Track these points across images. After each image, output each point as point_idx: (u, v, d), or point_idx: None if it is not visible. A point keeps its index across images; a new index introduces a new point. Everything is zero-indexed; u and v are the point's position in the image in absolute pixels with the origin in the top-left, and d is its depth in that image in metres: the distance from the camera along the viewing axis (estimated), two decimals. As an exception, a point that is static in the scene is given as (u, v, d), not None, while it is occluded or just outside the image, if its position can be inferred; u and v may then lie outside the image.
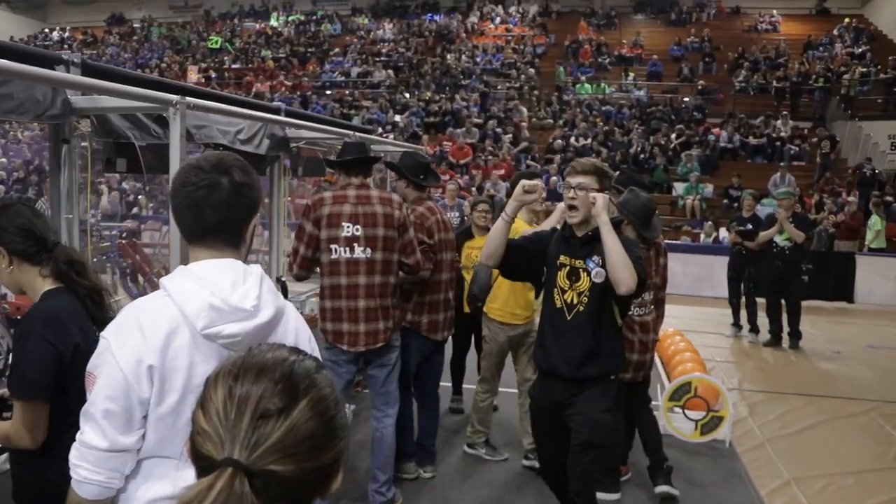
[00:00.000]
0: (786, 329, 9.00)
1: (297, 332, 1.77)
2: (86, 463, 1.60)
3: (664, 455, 4.60)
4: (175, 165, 2.76)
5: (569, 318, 3.33)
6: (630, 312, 4.33)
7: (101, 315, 2.24)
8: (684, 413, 5.39)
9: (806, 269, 9.02)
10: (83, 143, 3.14)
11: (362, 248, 3.85)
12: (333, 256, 3.85)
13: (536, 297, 4.18)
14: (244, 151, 3.92)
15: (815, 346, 9.09)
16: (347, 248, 3.84)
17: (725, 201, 15.95)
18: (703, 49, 23.21)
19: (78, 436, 1.61)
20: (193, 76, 24.45)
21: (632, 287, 3.10)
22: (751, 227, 9.14)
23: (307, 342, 1.78)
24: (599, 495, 4.50)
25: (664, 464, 4.58)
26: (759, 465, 5.19)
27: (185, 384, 1.59)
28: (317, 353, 1.69)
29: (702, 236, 14.47)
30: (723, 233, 14.39)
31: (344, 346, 3.87)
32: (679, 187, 16.69)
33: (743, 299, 9.45)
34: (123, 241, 4.72)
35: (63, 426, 2.10)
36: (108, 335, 1.62)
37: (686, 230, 15.11)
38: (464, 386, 6.07)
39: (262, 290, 1.66)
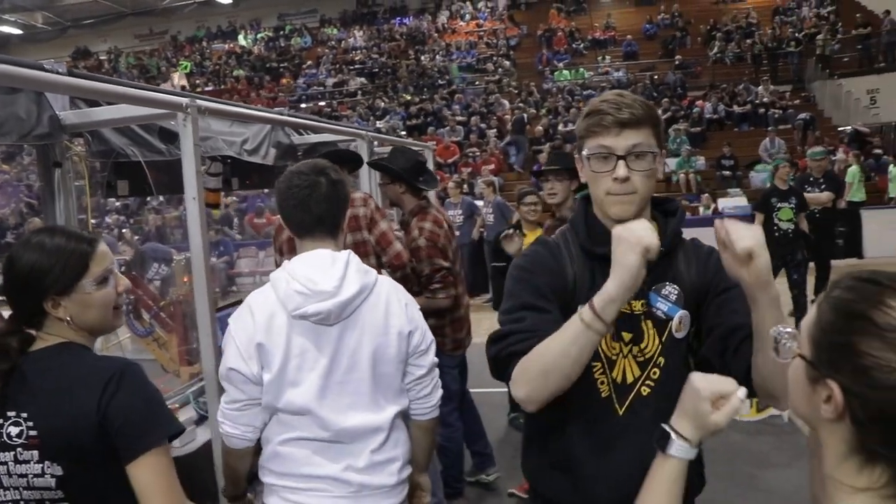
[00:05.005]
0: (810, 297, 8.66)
1: (388, 301, 2.07)
2: (226, 420, 2.05)
3: None
4: (191, 181, 2.42)
5: (621, 413, 1.72)
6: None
7: None
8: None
9: (839, 232, 8.38)
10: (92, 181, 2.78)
11: None
12: None
13: None
14: (251, 163, 3.59)
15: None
16: None
17: (719, 172, 15.77)
18: (675, 24, 23.06)
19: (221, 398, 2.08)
20: (180, 80, 24.16)
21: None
22: (795, 201, 7.62)
23: (402, 307, 2.09)
24: None
25: None
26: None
27: (285, 354, 1.96)
28: (414, 313, 2.13)
29: (700, 209, 14.22)
30: (722, 203, 14.20)
31: None
32: (671, 163, 16.46)
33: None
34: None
35: None
36: (231, 321, 2.04)
37: (684, 205, 14.83)
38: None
39: (346, 271, 1.99)
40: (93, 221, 2.80)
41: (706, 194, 14.50)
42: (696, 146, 16.81)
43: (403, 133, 19.30)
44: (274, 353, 1.96)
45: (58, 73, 2.23)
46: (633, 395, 1.70)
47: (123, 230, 15.02)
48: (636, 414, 1.68)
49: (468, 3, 26.93)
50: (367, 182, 4.77)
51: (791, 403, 1.08)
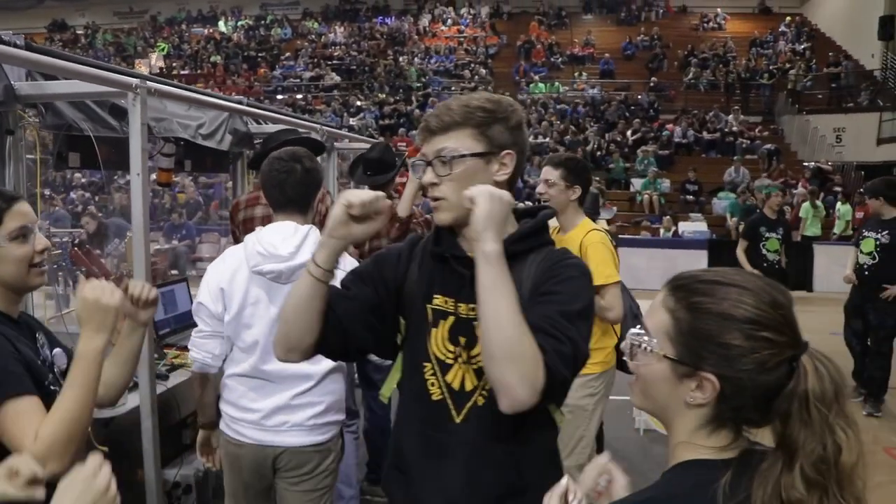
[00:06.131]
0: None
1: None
2: (193, 347, 2.52)
3: None
4: (136, 159, 2.51)
5: (458, 421, 1.64)
6: None
7: None
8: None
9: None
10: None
11: None
12: None
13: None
14: (205, 147, 3.68)
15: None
16: None
17: (682, 196, 16.09)
18: (654, 47, 23.46)
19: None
20: (157, 61, 24.01)
21: (523, 400, 1.38)
22: (782, 232, 7.23)
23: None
24: None
25: None
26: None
27: (243, 300, 2.43)
28: None
29: (661, 231, 14.50)
30: (683, 226, 14.49)
31: None
32: (637, 183, 16.75)
33: None
34: (76, 249, 4.43)
35: None
36: (209, 266, 2.55)
37: (645, 225, 15.14)
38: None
39: (304, 242, 2.41)
40: (47, 192, 2.89)
41: (668, 217, 14.77)
42: (662, 168, 17.12)
43: (375, 132, 19.40)
44: (233, 299, 2.42)
45: (14, 45, 2.31)
46: (470, 403, 1.63)
47: (89, 206, 14.92)
48: (471, 424, 1.62)
49: (451, 8, 27.12)
50: (330, 176, 4.89)
51: (647, 399, 1.22)
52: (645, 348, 1.18)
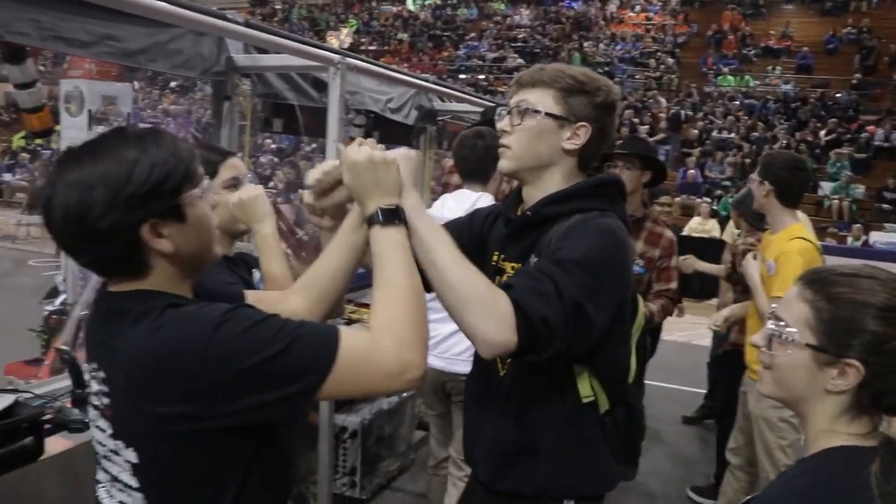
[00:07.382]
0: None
1: None
2: None
3: None
4: (333, 128, 2.80)
5: (501, 374, 1.69)
6: None
7: None
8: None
9: None
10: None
11: None
12: None
13: None
14: (392, 120, 3.93)
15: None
16: None
17: (878, 204, 14.88)
18: (861, 41, 21.61)
19: None
20: (347, 37, 25.27)
21: (493, 338, 1.33)
22: None
23: None
24: None
25: None
26: None
27: None
28: None
29: (849, 239, 13.54)
30: (875, 236, 13.45)
31: None
32: (826, 187, 15.67)
33: None
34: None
35: None
36: None
37: (832, 232, 14.19)
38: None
39: (472, 207, 2.52)
40: (241, 154, 3.25)
41: (858, 225, 13.75)
42: (857, 173, 15.89)
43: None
44: None
45: (237, 22, 2.61)
46: (508, 360, 1.65)
47: (276, 171, 16.13)
48: (508, 379, 1.67)
49: (641, -6, 26.41)
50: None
51: (780, 387, 1.27)
52: (785, 338, 1.22)
